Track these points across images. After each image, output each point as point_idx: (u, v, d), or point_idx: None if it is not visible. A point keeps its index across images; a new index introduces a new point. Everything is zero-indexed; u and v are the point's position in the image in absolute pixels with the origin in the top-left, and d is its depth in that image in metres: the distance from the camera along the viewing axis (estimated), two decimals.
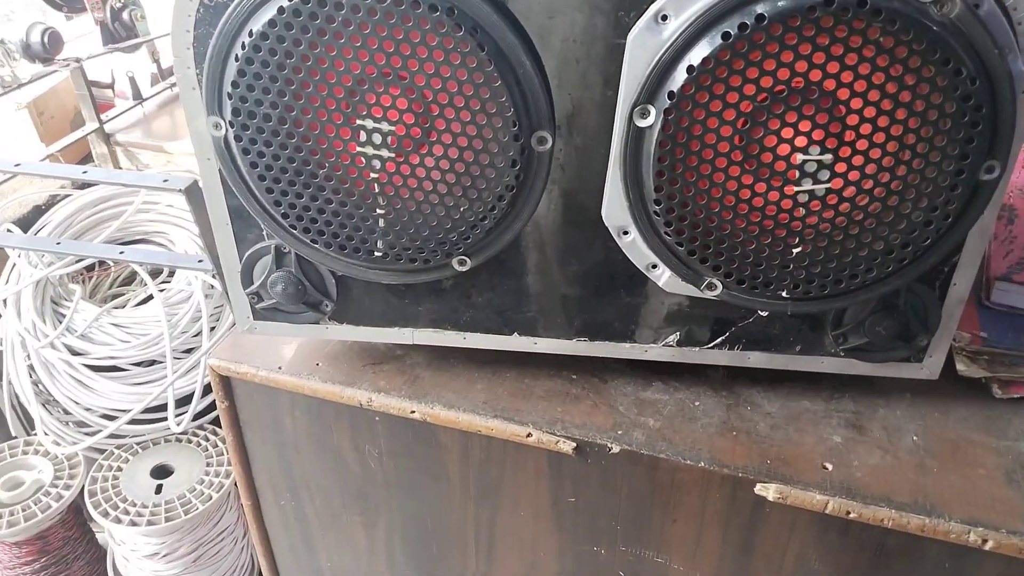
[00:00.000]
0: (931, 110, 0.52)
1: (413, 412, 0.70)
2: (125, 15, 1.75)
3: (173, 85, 1.96)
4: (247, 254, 0.65)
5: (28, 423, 1.60)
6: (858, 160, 0.54)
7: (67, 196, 1.53)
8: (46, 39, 1.65)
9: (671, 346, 0.68)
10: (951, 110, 0.51)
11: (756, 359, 0.68)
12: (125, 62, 1.91)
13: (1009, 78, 0.51)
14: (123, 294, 1.55)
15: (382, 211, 0.59)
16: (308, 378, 0.73)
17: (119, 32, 1.75)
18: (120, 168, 1.71)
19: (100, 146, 1.74)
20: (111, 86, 1.93)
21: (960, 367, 0.73)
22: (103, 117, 1.78)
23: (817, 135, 0.53)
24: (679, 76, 0.52)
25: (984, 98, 0.51)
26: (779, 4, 0.49)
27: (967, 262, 0.62)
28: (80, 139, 1.76)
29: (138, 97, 1.89)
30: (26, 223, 1.59)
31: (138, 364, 1.40)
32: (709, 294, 0.62)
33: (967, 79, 0.50)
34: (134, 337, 1.37)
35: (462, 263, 0.63)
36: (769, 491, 0.63)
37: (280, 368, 0.74)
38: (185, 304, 1.41)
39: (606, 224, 0.61)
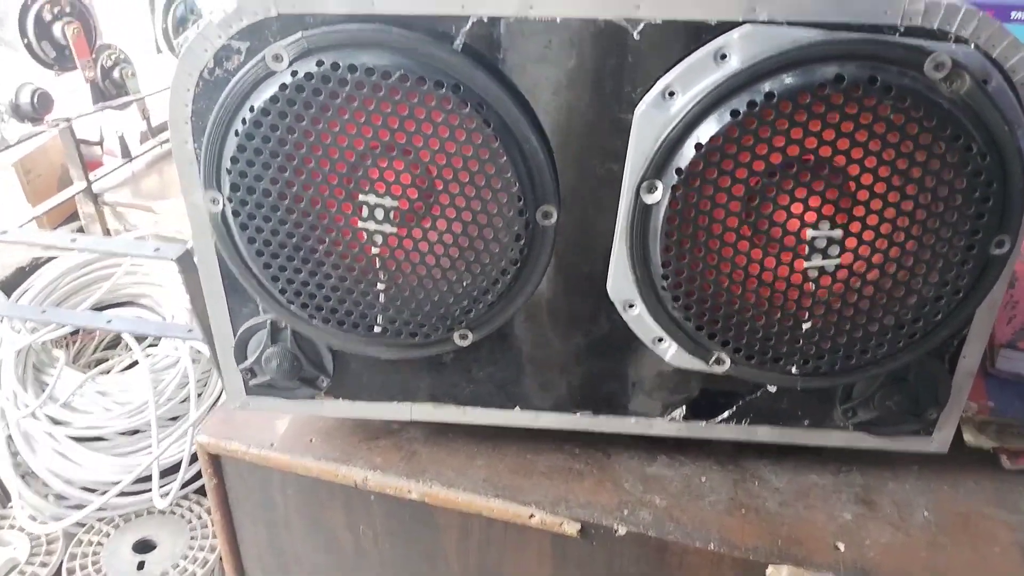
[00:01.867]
0: (942, 186, 0.51)
1: (410, 492, 0.67)
2: (116, 73, 1.75)
3: (164, 142, 1.95)
4: (241, 329, 0.64)
5: (4, 496, 1.54)
6: (868, 235, 0.53)
7: (51, 258, 1.50)
8: (36, 100, 1.64)
9: (677, 421, 0.67)
10: (961, 186, 0.51)
11: (764, 434, 0.67)
12: (115, 119, 1.90)
13: (1019, 153, 0.51)
14: (108, 358, 1.51)
15: (383, 286, 0.58)
16: (301, 455, 0.70)
17: (109, 90, 1.74)
18: (107, 227, 1.68)
19: (87, 205, 1.71)
20: (100, 143, 1.91)
21: (968, 438, 0.71)
22: (91, 175, 1.75)
23: (827, 210, 0.53)
24: (687, 152, 0.51)
25: (994, 173, 0.51)
26: (787, 81, 0.49)
27: (977, 335, 0.61)
28: (68, 199, 1.74)
29: (127, 155, 1.87)
30: (9, 286, 1.56)
31: (122, 433, 1.36)
32: (718, 369, 0.61)
33: (978, 155, 0.50)
34: (118, 405, 1.33)
35: (464, 337, 0.62)
36: (782, 573, 0.61)
37: (272, 445, 0.71)
38: (172, 369, 1.38)
39: (611, 298, 0.60)
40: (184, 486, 1.42)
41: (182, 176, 0.57)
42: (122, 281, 1.49)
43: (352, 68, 0.50)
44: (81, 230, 1.75)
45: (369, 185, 0.54)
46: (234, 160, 0.53)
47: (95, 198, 1.72)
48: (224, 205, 0.56)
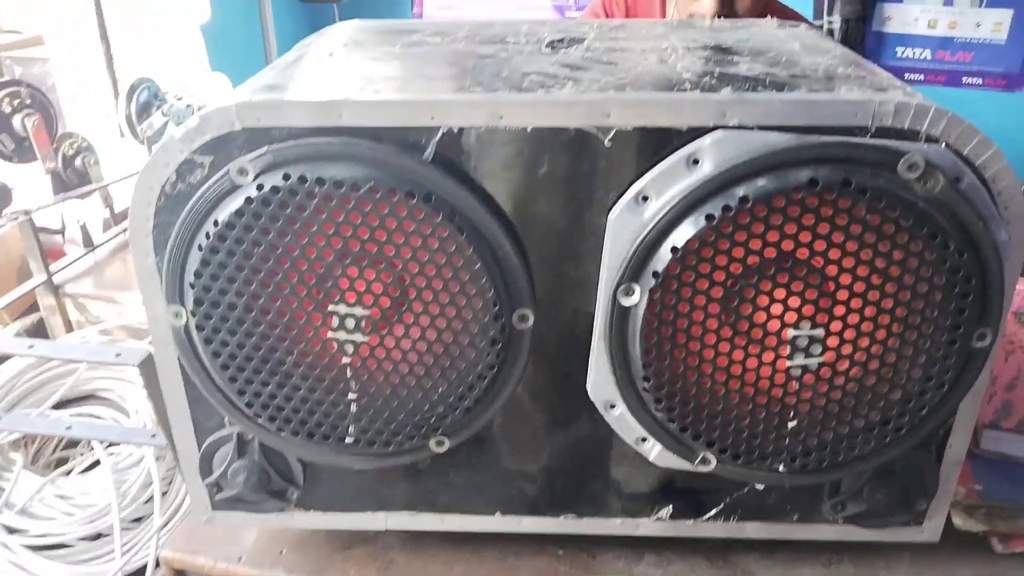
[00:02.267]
0: (921, 283, 0.51)
1: None
2: (78, 162, 1.72)
3: (127, 230, 1.91)
4: (207, 443, 0.61)
5: None
6: (850, 334, 0.52)
7: (8, 357, 1.45)
8: None
9: (664, 520, 0.65)
10: (940, 282, 0.51)
11: (753, 530, 0.65)
12: (77, 207, 1.86)
13: (995, 248, 0.51)
14: (69, 458, 1.45)
15: (355, 396, 0.56)
16: (271, 569, 0.67)
17: (71, 179, 1.71)
18: (69, 319, 1.64)
19: (48, 297, 1.66)
20: (61, 232, 1.87)
21: (957, 521, 0.70)
22: (53, 266, 1.71)
23: (807, 310, 0.52)
24: (663, 256, 0.50)
25: (972, 269, 0.51)
26: (761, 185, 0.48)
27: (962, 425, 0.60)
28: (28, 292, 1.69)
29: (89, 244, 1.83)
30: None
31: (84, 539, 1.30)
32: (703, 468, 0.59)
33: (955, 251, 0.50)
34: (79, 509, 1.27)
35: (440, 444, 0.59)
36: None
37: (240, 559, 0.68)
38: (136, 468, 1.32)
39: (592, 398, 0.58)
40: None
41: (143, 289, 0.55)
42: (84, 376, 1.44)
43: (320, 181, 0.48)
44: (42, 321, 1.70)
45: (339, 295, 0.52)
46: (198, 274, 0.51)
47: (56, 290, 1.67)
48: (187, 319, 0.53)
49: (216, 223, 0.50)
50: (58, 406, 1.43)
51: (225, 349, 0.54)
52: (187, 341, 0.55)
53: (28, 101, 1.69)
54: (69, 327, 1.64)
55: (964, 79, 1.42)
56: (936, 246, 0.50)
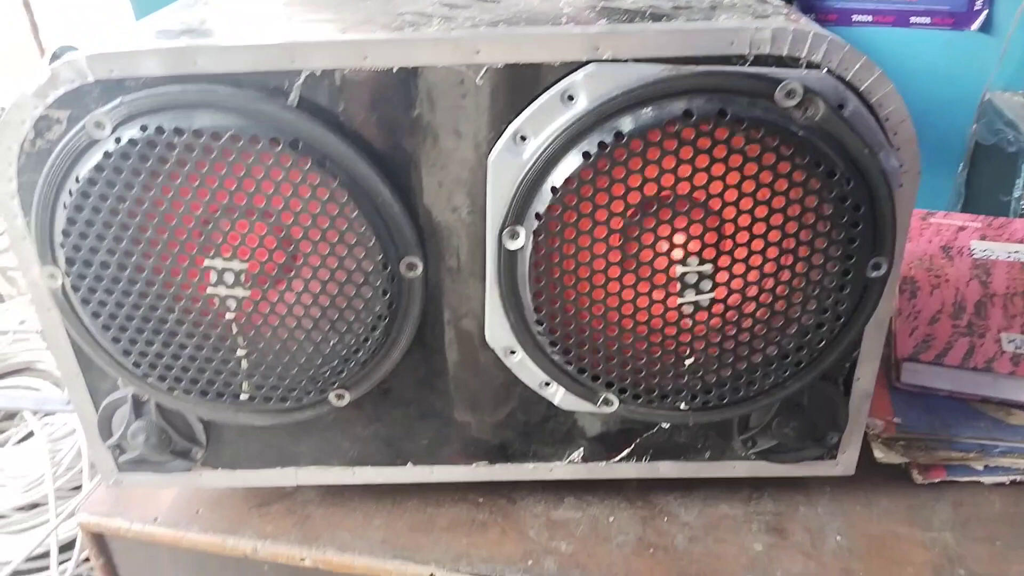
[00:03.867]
0: (807, 213, 0.50)
1: (303, 559, 0.64)
2: None
3: None
4: (103, 404, 0.60)
5: None
6: (739, 268, 0.51)
7: None
8: None
9: (576, 463, 0.64)
10: (828, 212, 0.50)
11: (666, 469, 0.65)
12: None
13: (883, 175, 0.50)
14: (4, 430, 1.44)
15: (244, 352, 0.55)
16: (187, 528, 0.66)
17: None
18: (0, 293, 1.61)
19: None
20: None
21: (877, 454, 0.70)
22: None
23: (694, 246, 0.51)
24: (544, 197, 0.49)
25: (861, 197, 0.50)
26: (637, 120, 0.47)
27: (868, 356, 0.60)
28: None
29: None
30: None
31: (20, 508, 1.29)
32: (606, 410, 0.59)
33: (841, 180, 0.49)
34: (13, 480, 1.26)
35: (340, 397, 0.59)
36: None
37: (156, 519, 0.67)
38: (70, 438, 1.31)
39: (491, 345, 0.57)
40: (88, 559, 1.35)
41: (17, 252, 0.53)
42: (10, 350, 1.42)
43: (178, 131, 0.47)
44: None
45: (215, 249, 0.51)
46: (65, 233, 0.50)
47: None
48: (63, 280, 0.52)
49: (77, 180, 0.48)
50: None
51: (104, 309, 0.53)
52: (67, 303, 0.53)
53: None
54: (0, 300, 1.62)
55: (912, 19, 1.40)
56: (820, 175, 0.48)
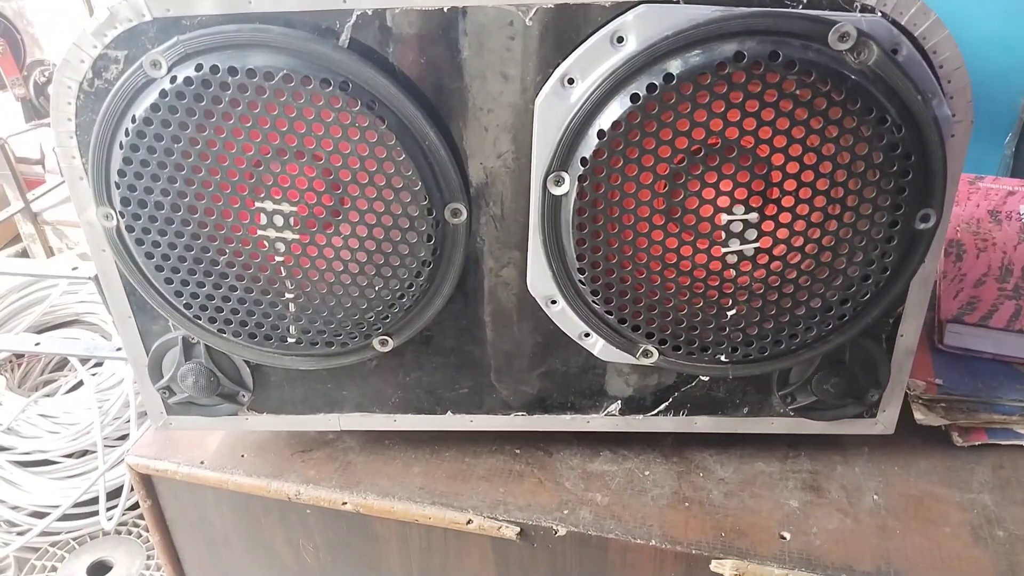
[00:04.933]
0: (857, 161, 0.49)
1: (345, 504, 0.65)
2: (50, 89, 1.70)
3: None
4: (154, 347, 0.61)
5: None
6: (785, 217, 0.51)
7: None
8: None
9: (614, 415, 0.65)
10: (878, 160, 0.49)
11: (703, 424, 0.65)
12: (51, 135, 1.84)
13: (935, 123, 0.49)
14: (55, 380, 1.48)
15: (291, 295, 0.56)
16: (232, 472, 0.68)
17: (44, 107, 1.70)
18: (50, 247, 1.65)
19: (27, 225, 1.66)
20: (41, 162, 1.86)
21: (918, 416, 0.70)
22: (31, 194, 1.71)
23: (740, 194, 0.51)
24: (591, 141, 0.49)
25: (912, 146, 0.49)
26: (687, 62, 0.47)
27: (912, 312, 0.59)
28: (6, 219, 1.69)
29: None
30: None
31: (70, 456, 1.33)
32: (646, 361, 0.59)
33: (892, 127, 0.48)
34: (63, 427, 1.30)
35: (384, 343, 0.60)
36: (725, 568, 0.60)
37: (203, 463, 0.69)
38: (119, 388, 1.35)
39: (532, 294, 0.58)
40: (136, 506, 1.39)
41: (73, 193, 0.55)
42: (61, 301, 1.46)
43: (232, 71, 0.47)
44: (25, 252, 1.72)
45: (265, 191, 0.52)
46: (121, 173, 0.51)
47: (35, 217, 1.68)
48: (118, 220, 0.53)
49: (134, 119, 0.49)
50: (31, 335, 1.45)
51: (157, 250, 0.54)
52: (120, 244, 0.55)
53: None
54: (50, 253, 1.65)
55: None
56: (872, 121, 0.48)
